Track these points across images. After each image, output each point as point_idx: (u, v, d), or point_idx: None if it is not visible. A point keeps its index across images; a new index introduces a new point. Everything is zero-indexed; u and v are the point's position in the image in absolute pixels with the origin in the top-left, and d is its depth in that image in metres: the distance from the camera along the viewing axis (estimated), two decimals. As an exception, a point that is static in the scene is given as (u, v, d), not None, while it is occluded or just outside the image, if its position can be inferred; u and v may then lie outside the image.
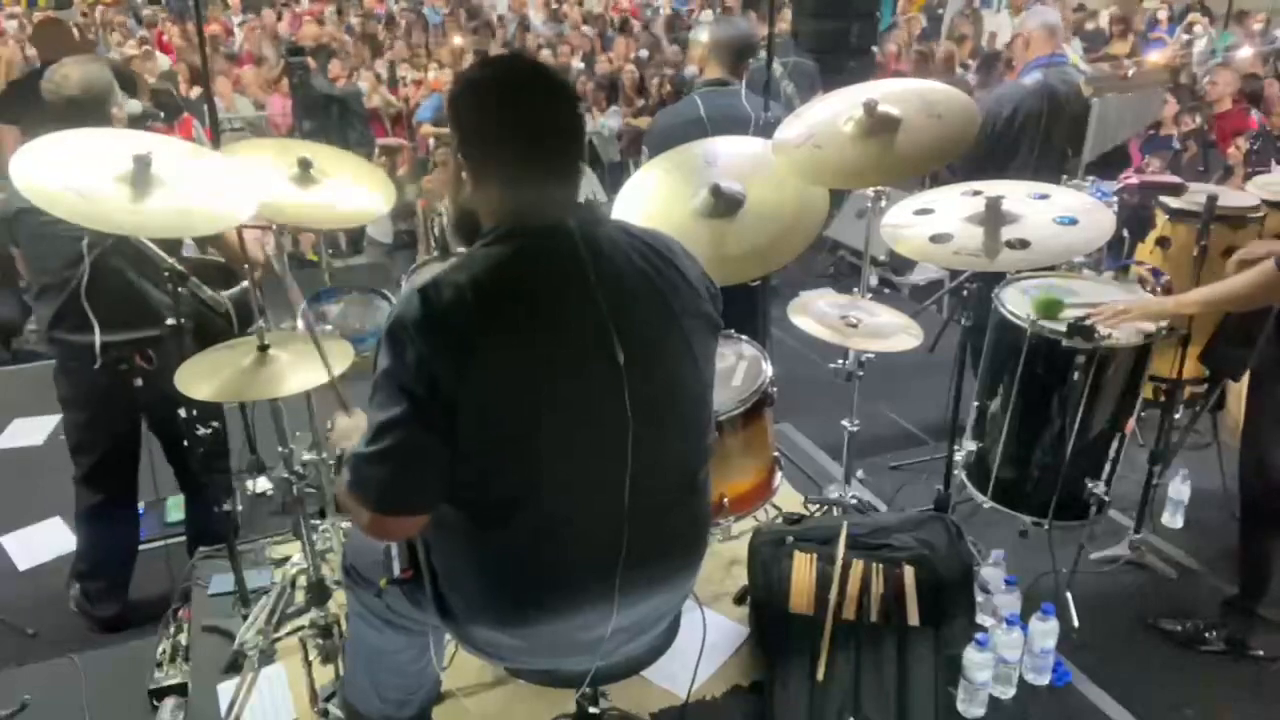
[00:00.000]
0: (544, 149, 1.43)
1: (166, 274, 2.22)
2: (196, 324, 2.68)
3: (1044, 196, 2.51)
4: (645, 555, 1.51)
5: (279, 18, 10.67)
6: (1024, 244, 2.33)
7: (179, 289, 2.24)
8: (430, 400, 1.34)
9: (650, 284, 1.47)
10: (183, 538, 3.16)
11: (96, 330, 2.54)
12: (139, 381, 2.61)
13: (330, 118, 7.16)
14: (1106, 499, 2.61)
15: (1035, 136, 3.74)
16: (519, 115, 1.41)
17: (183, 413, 2.36)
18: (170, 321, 2.26)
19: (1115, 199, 3.25)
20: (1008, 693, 2.35)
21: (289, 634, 2.48)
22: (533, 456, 1.41)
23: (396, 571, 1.61)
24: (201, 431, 2.41)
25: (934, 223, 2.45)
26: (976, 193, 2.50)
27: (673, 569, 1.61)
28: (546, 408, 1.39)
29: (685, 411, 1.54)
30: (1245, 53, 6.50)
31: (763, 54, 3.59)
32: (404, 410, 1.35)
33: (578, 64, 9.02)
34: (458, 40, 9.34)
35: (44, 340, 2.73)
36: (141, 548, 3.17)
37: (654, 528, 1.51)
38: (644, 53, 9.17)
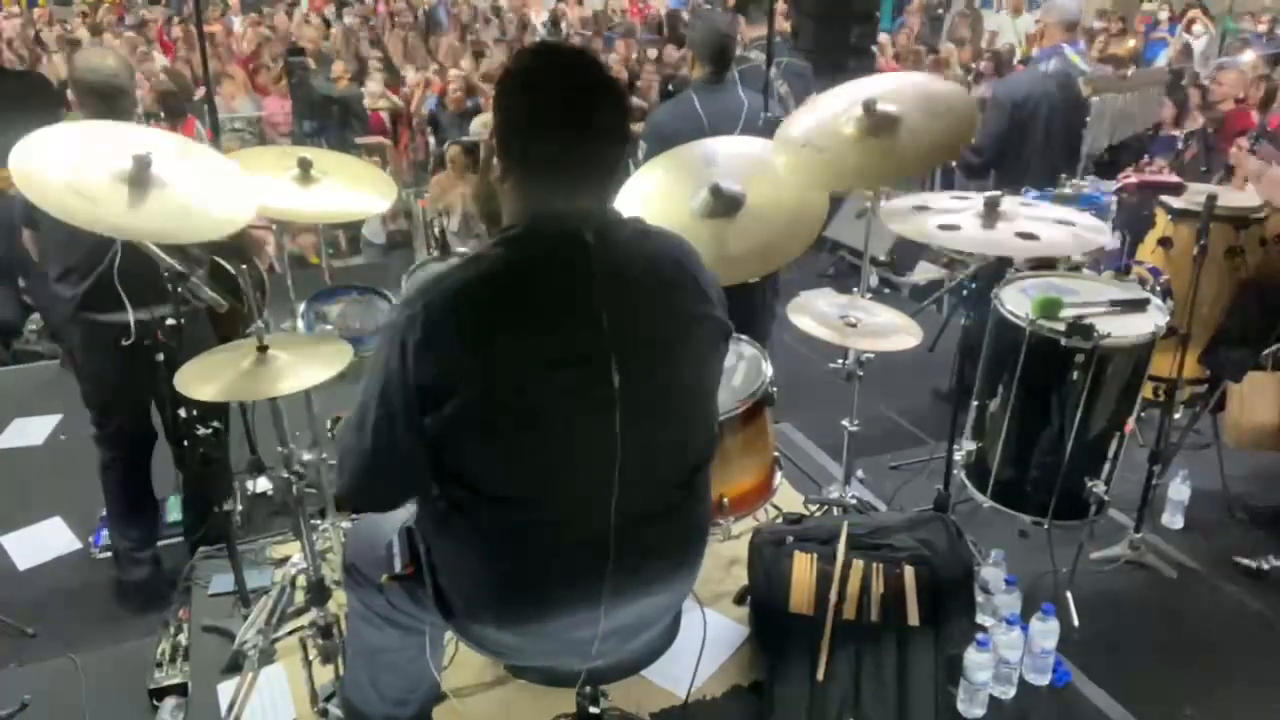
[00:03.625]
0: (569, 148, 1.37)
1: (166, 274, 2.22)
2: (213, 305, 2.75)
3: (1032, 207, 2.51)
4: (637, 558, 1.51)
5: (290, 17, 10.67)
6: (1033, 236, 2.32)
7: (178, 288, 2.25)
8: (413, 400, 1.36)
9: (662, 290, 1.45)
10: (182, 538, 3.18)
11: (129, 309, 2.65)
12: (160, 357, 2.67)
13: (330, 118, 7.16)
14: (1106, 499, 2.61)
15: (1051, 121, 3.81)
16: (547, 109, 1.36)
17: (183, 412, 2.36)
18: (171, 322, 2.33)
19: (1114, 199, 3.26)
20: (1008, 693, 2.35)
21: (289, 634, 2.48)
22: (522, 460, 1.41)
23: (399, 568, 1.61)
24: (201, 431, 2.41)
25: (940, 217, 2.44)
26: (965, 198, 2.50)
27: (668, 571, 1.60)
28: (533, 415, 1.38)
29: (685, 418, 1.52)
30: (1248, 56, 6.44)
31: (754, 53, 3.60)
32: (387, 409, 1.39)
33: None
34: (455, 41, 9.34)
35: (70, 321, 2.81)
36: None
37: (646, 532, 1.51)
38: (653, 52, 9.16)
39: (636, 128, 7.75)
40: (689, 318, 1.49)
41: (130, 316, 2.66)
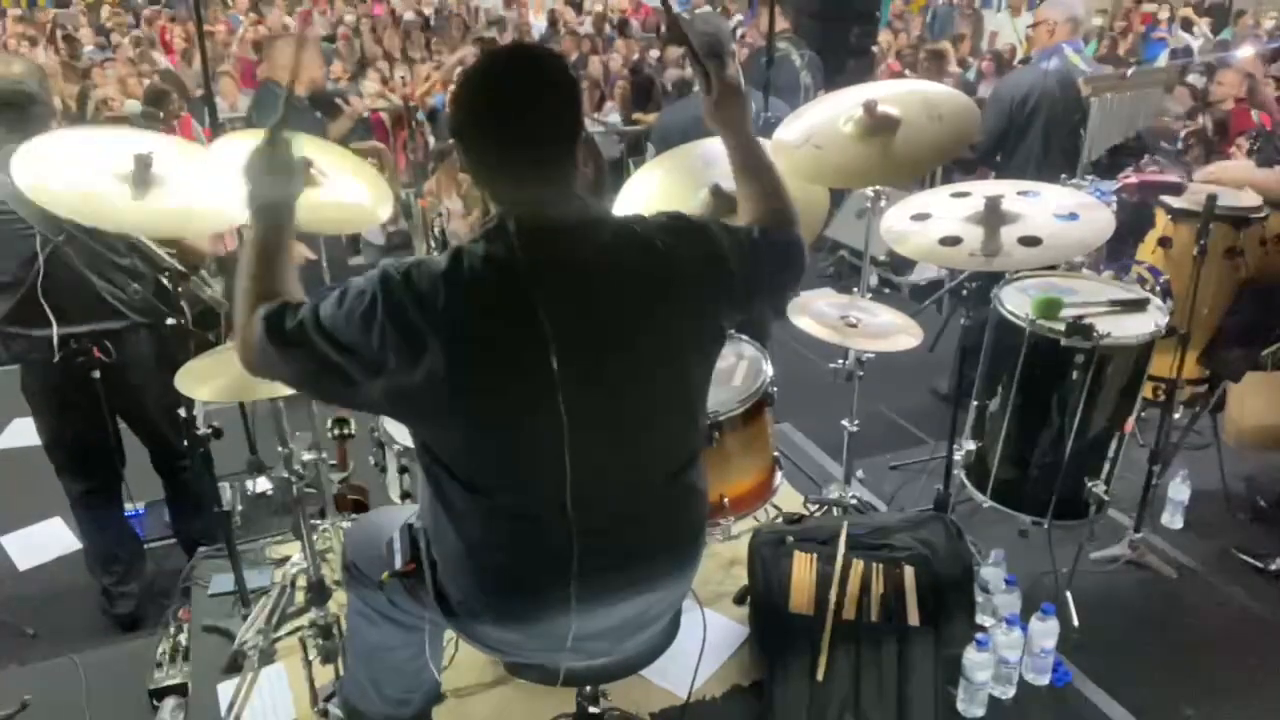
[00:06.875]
0: (518, 142, 1.38)
1: (166, 273, 2.23)
2: (155, 320, 2.71)
3: (1033, 194, 2.50)
4: (621, 557, 1.51)
5: (294, 17, 10.66)
6: (1036, 241, 2.32)
7: (178, 288, 2.25)
8: (368, 365, 1.36)
9: (633, 281, 1.44)
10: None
11: (54, 324, 2.57)
12: (97, 374, 2.65)
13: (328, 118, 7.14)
14: (1106, 499, 2.61)
15: (1051, 120, 3.84)
16: (492, 107, 1.38)
17: (182, 412, 2.36)
18: (170, 321, 2.30)
19: (1114, 198, 3.25)
20: (1008, 693, 2.35)
21: (289, 634, 2.48)
22: (487, 452, 1.43)
23: (399, 564, 1.62)
24: (202, 431, 2.41)
25: (940, 226, 2.44)
26: (965, 194, 2.50)
27: (660, 569, 1.59)
28: (487, 407, 1.39)
29: (652, 412, 1.50)
30: (1246, 51, 6.44)
31: (782, 43, 3.62)
32: (344, 355, 1.37)
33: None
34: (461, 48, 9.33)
35: (3, 336, 2.72)
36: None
37: (627, 529, 1.51)
38: (654, 53, 9.16)
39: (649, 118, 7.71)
40: (663, 310, 1.46)
41: (54, 332, 2.57)
